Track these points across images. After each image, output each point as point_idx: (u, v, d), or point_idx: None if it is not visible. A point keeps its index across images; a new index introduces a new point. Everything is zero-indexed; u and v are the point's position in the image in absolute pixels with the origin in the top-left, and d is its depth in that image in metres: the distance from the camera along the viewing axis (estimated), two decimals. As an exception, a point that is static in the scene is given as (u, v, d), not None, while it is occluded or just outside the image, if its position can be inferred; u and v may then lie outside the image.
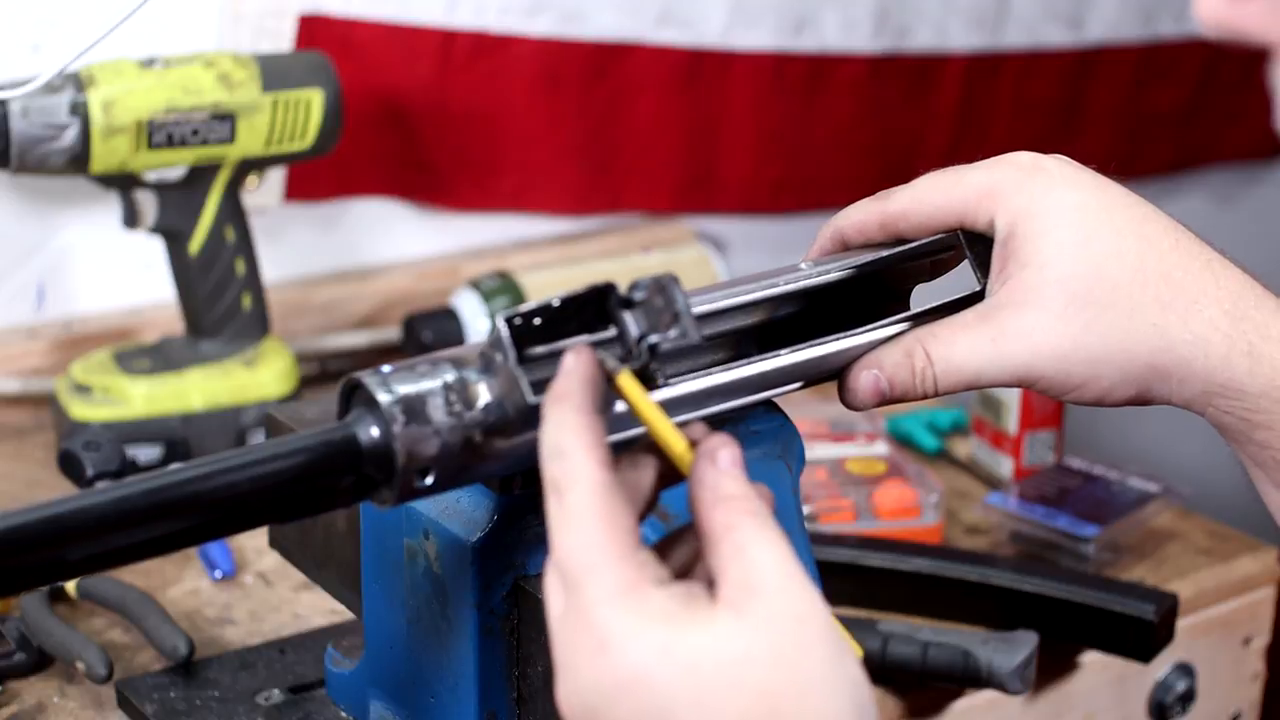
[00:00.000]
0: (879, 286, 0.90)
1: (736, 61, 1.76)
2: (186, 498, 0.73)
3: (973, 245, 0.88)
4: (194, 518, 0.74)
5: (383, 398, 0.75)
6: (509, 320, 0.75)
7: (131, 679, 1.10)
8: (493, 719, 0.87)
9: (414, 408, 0.75)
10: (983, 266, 0.87)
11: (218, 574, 1.26)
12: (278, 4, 1.54)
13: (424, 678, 0.90)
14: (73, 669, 1.12)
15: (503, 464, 0.79)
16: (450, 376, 0.76)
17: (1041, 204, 0.84)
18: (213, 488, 0.74)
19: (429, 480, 0.76)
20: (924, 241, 0.88)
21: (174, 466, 0.75)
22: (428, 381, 0.76)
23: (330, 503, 0.77)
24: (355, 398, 0.77)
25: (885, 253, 0.88)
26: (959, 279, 0.89)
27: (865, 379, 0.85)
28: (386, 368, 0.77)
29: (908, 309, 0.88)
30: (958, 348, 0.84)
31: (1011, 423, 1.42)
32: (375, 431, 0.75)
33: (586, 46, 1.69)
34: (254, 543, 1.29)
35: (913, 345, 0.85)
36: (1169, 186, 2.13)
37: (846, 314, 0.88)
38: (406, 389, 0.75)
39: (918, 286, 0.91)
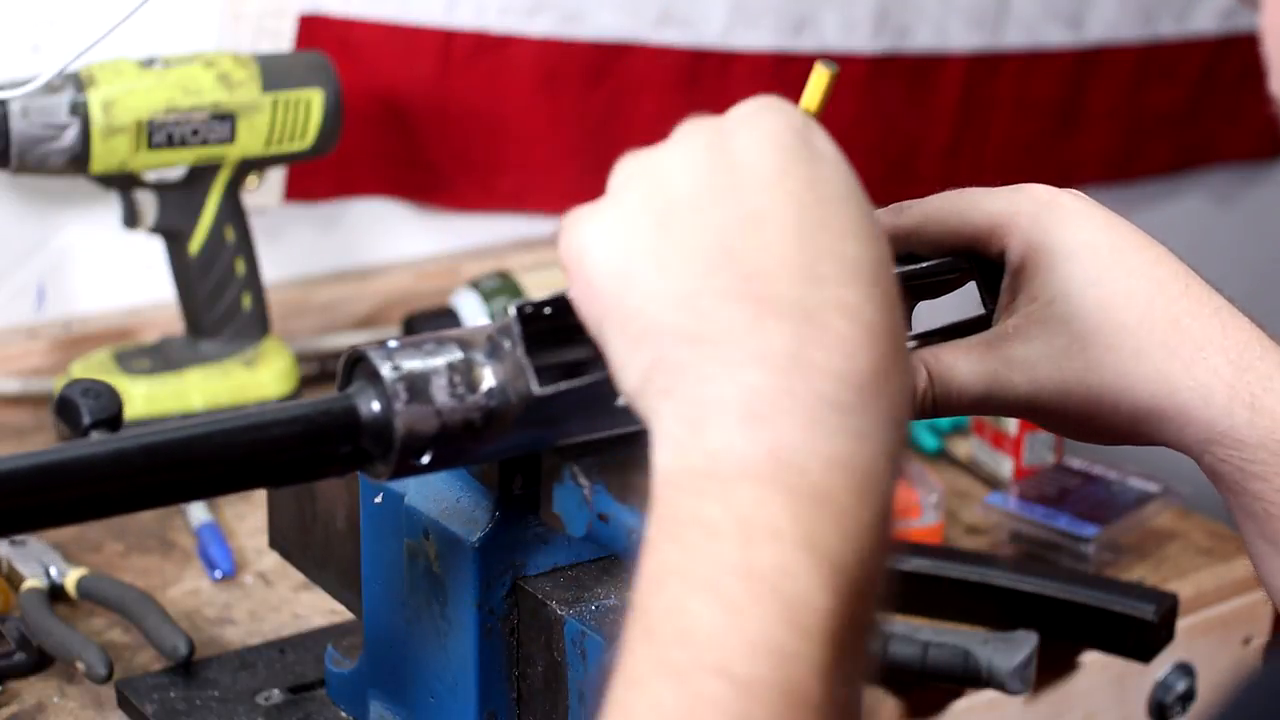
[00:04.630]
0: None
1: (736, 61, 1.76)
2: (182, 454, 0.73)
3: (983, 270, 0.88)
4: (187, 474, 0.73)
5: (386, 372, 0.75)
6: (520, 309, 0.75)
7: (131, 679, 1.10)
8: (493, 719, 0.87)
9: (417, 385, 0.75)
10: (991, 292, 0.87)
11: (218, 574, 1.26)
12: (278, 4, 1.54)
13: (424, 678, 0.90)
14: (73, 669, 1.12)
15: (502, 450, 0.78)
16: (456, 356, 0.76)
17: (1055, 239, 0.84)
18: (209, 447, 0.73)
19: (426, 459, 0.76)
20: (934, 262, 0.88)
21: (171, 422, 0.75)
22: (433, 360, 0.76)
23: (324, 470, 0.77)
24: (358, 370, 0.77)
25: (895, 270, 0.88)
26: (965, 299, 0.89)
27: None
28: (392, 342, 0.76)
29: (911, 327, 0.88)
30: (960, 373, 0.84)
31: (1011, 423, 1.42)
32: (376, 405, 0.75)
33: (586, 46, 1.69)
34: (254, 543, 1.29)
35: (915, 365, 0.85)
36: (1168, 186, 2.13)
37: None
38: (411, 365, 0.75)
39: (920, 303, 0.91)
